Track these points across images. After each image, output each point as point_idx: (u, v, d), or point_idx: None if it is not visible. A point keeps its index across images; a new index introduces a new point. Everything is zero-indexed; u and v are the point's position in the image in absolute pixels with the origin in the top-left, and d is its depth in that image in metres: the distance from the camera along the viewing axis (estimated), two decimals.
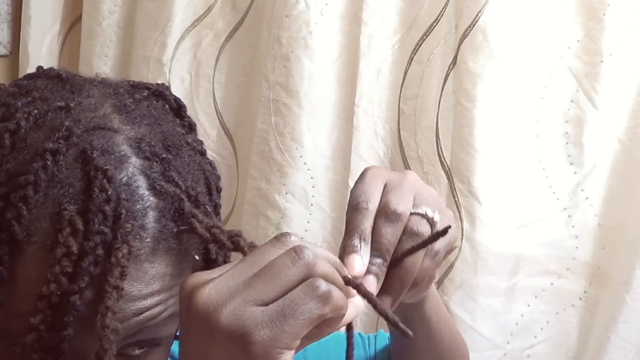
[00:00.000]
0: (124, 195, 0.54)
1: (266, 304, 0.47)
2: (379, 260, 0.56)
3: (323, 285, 0.48)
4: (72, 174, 0.54)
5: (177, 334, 0.67)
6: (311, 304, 0.47)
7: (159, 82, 1.47)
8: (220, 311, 0.47)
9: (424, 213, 0.58)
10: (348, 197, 1.41)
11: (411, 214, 0.58)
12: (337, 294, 0.49)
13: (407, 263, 0.57)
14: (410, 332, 0.53)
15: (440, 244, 0.59)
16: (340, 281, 0.51)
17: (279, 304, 0.47)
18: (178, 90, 1.41)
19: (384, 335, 0.89)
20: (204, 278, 0.49)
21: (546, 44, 1.16)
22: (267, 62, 1.31)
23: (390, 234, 0.57)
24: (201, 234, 0.56)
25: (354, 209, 0.58)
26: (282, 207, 1.30)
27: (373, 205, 0.58)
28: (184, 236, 0.57)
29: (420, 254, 0.58)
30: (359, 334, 0.89)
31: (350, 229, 0.57)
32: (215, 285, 0.48)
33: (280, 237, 0.51)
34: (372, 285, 0.56)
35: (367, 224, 0.57)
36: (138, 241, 0.54)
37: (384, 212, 0.57)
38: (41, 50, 1.55)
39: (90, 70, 1.48)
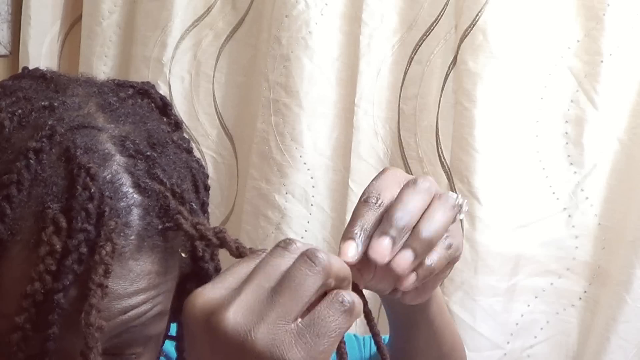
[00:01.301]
0: (107, 193, 0.54)
1: (295, 319, 0.47)
2: (401, 224, 0.56)
3: (347, 298, 0.48)
4: (56, 173, 0.54)
5: (171, 334, 0.68)
6: (340, 319, 0.48)
7: (159, 82, 1.47)
8: (254, 336, 0.46)
9: (452, 193, 0.59)
10: (348, 197, 1.41)
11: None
12: (357, 300, 0.49)
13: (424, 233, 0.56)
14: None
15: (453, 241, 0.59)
16: (350, 276, 0.51)
17: (309, 322, 0.47)
18: (178, 90, 1.41)
19: None
20: (215, 298, 0.48)
21: (546, 44, 1.16)
22: (267, 62, 1.31)
23: (418, 201, 0.57)
24: (187, 231, 0.56)
25: (363, 202, 0.58)
26: (282, 207, 1.30)
27: (382, 201, 0.58)
28: (169, 233, 0.57)
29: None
30: (354, 335, 0.89)
31: (353, 218, 0.57)
32: (239, 308, 0.47)
33: (286, 245, 0.50)
34: (409, 259, 0.56)
35: (371, 216, 0.57)
36: (122, 239, 0.54)
37: (410, 186, 0.57)
38: (41, 50, 1.55)
39: (90, 70, 1.48)
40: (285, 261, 0.49)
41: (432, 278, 0.60)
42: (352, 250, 0.55)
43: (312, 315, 0.47)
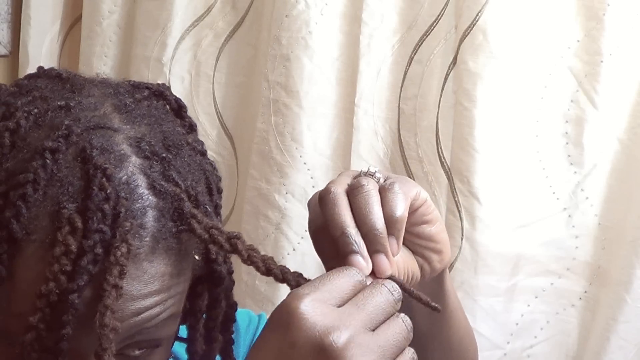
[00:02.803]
0: (123, 194, 0.54)
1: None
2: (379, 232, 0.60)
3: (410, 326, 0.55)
4: (72, 173, 0.54)
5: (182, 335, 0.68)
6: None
7: (159, 82, 1.47)
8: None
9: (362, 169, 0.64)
10: None
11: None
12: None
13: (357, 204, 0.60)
14: (439, 307, 0.61)
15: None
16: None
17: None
18: (178, 90, 1.41)
19: None
20: (327, 317, 0.51)
21: (546, 44, 1.16)
22: (267, 62, 1.31)
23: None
24: (199, 235, 0.56)
25: (321, 201, 0.62)
26: (282, 207, 1.30)
27: (335, 191, 0.62)
28: (183, 236, 0.57)
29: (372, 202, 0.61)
30: None
31: (333, 224, 0.60)
32: (352, 337, 0.51)
33: (392, 289, 0.55)
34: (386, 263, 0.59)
35: (347, 218, 0.60)
36: (137, 240, 0.54)
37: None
38: (41, 50, 1.55)
39: (90, 70, 1.48)
40: (390, 307, 0.55)
41: (423, 229, 0.66)
42: (362, 263, 0.59)
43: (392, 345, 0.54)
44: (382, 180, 0.63)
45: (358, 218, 0.60)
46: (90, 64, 1.49)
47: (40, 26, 1.54)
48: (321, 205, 0.61)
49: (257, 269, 0.56)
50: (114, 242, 0.53)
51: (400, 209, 0.61)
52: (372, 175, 0.63)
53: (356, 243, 0.58)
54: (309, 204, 0.65)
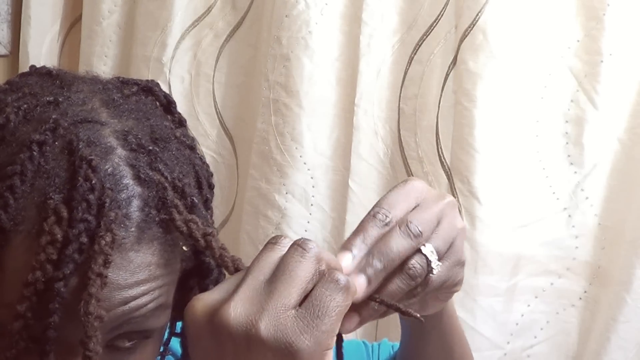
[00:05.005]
0: (108, 185, 0.55)
1: (294, 306, 0.49)
2: (379, 266, 0.55)
3: (342, 276, 0.50)
4: (58, 165, 0.55)
5: (177, 331, 0.68)
6: (337, 297, 0.50)
7: (159, 82, 1.47)
8: (257, 325, 0.48)
9: (427, 254, 0.57)
10: (348, 197, 1.40)
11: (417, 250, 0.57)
12: (351, 281, 0.51)
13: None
14: (422, 318, 0.56)
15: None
16: (342, 269, 0.53)
17: (308, 305, 0.49)
18: (178, 90, 1.42)
19: (387, 345, 0.88)
20: (214, 298, 0.50)
21: (546, 44, 1.16)
22: (267, 62, 1.31)
23: (402, 247, 0.56)
24: (178, 226, 0.57)
25: (371, 216, 0.58)
26: (282, 207, 1.30)
27: (390, 219, 0.57)
28: (169, 225, 0.57)
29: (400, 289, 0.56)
30: (364, 342, 0.89)
31: (357, 230, 0.57)
32: (237, 302, 0.49)
33: (276, 240, 0.52)
34: (362, 286, 0.54)
35: (374, 233, 0.57)
36: (123, 230, 0.54)
37: (405, 225, 0.57)
38: (41, 50, 1.55)
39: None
40: (276, 254, 0.52)
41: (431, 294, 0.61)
42: (347, 261, 0.55)
43: (310, 298, 0.49)
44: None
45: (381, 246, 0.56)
46: (90, 64, 1.49)
47: (40, 26, 1.55)
48: (397, 186, 0.59)
49: (227, 269, 0.56)
50: (98, 232, 0.53)
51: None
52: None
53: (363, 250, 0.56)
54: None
